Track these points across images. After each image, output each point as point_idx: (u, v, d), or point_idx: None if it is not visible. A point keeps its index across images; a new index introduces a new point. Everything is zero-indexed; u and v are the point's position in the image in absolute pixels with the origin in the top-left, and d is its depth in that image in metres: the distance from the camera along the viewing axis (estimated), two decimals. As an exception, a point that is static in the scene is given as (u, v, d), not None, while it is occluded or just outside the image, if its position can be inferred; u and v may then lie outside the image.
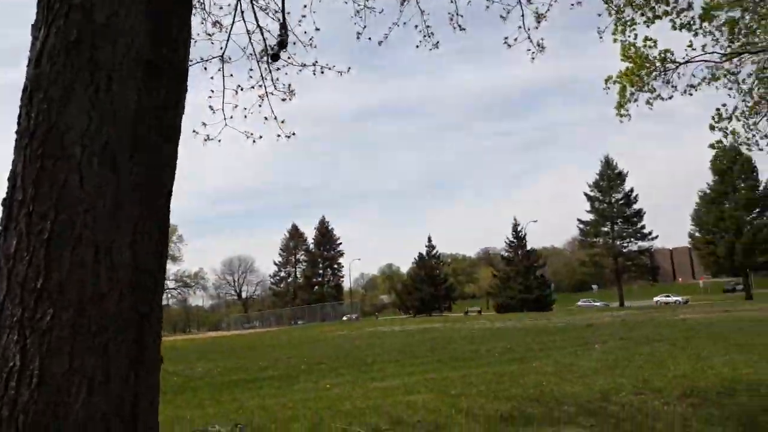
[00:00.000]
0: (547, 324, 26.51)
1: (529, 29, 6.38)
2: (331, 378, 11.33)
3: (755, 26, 8.31)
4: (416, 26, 6.49)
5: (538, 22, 6.39)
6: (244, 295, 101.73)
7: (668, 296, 62.62)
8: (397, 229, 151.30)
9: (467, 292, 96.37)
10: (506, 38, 6.45)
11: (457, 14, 6.34)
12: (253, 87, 6.57)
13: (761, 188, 57.02)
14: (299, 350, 20.96)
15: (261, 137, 6.65)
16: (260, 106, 6.55)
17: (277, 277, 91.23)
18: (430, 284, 68.79)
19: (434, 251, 72.38)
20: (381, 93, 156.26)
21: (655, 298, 62.69)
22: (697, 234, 61.25)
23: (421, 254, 71.63)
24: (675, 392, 7.02)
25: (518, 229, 61.03)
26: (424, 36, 6.55)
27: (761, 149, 8.71)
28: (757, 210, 57.18)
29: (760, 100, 8.63)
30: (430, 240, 71.74)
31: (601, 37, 8.10)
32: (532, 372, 9.69)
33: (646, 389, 7.36)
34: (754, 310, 30.89)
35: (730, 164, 55.84)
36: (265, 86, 6.55)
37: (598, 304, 63.05)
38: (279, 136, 6.70)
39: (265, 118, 6.57)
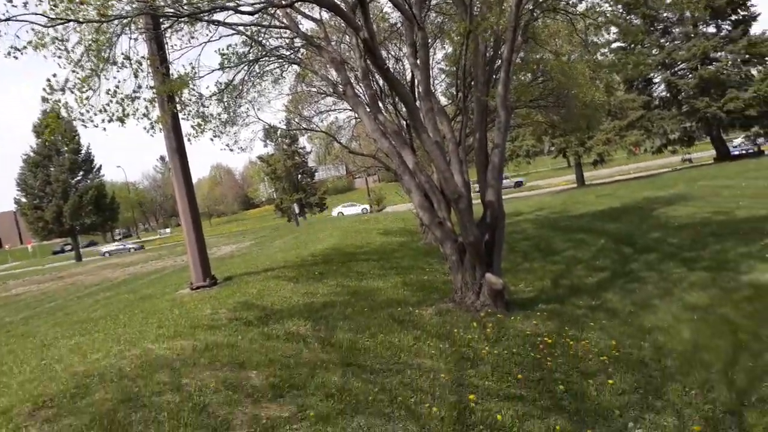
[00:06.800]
0: None
1: None
2: None
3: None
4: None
5: None
6: None
7: None
8: None
9: None
10: None
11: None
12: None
13: (83, 152, 59.34)
14: None
15: None
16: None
17: None
18: None
19: None
20: None
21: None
22: (23, 199, 58.10)
23: None
24: (25, 409, 5.94)
25: None
26: None
27: (96, 126, 8.38)
28: (81, 173, 59.38)
29: (91, 74, 8.26)
30: None
31: None
32: None
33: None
34: (85, 273, 32.22)
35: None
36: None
37: None
38: None
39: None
